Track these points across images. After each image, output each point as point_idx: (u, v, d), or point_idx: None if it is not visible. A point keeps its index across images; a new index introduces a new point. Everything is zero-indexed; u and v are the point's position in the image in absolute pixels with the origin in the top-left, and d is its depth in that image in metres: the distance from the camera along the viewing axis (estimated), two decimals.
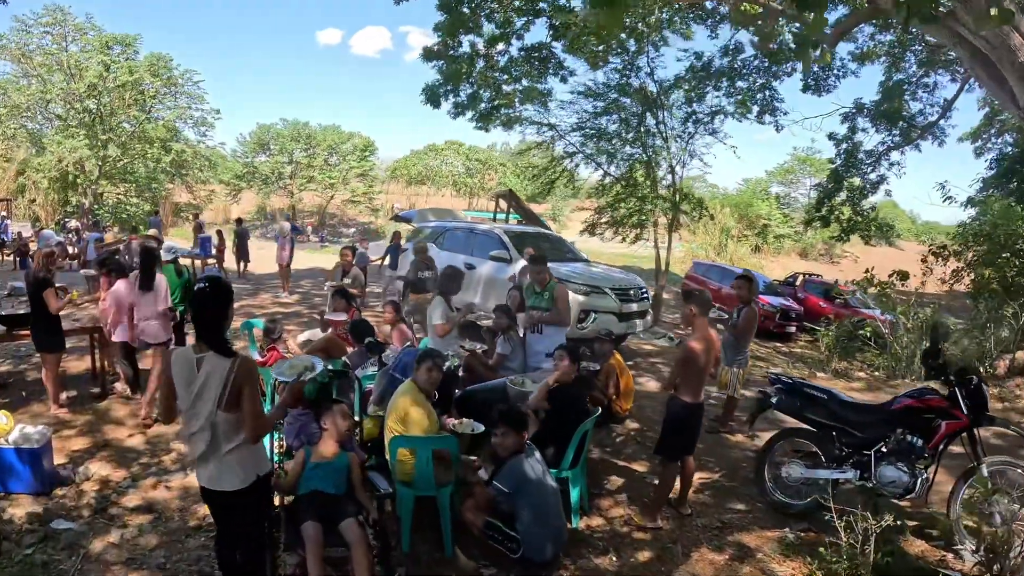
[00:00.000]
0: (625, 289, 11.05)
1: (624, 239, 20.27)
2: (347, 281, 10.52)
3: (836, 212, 19.68)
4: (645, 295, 11.48)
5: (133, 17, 76.88)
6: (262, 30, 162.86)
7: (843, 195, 19.54)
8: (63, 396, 7.71)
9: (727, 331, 8.21)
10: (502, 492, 4.91)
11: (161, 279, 7.57)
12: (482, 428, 5.59)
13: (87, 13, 34.86)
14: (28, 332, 7.61)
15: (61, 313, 7.49)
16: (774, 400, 6.35)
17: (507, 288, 9.74)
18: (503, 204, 25.85)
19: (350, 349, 8.54)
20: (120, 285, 7.52)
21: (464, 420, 5.72)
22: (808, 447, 6.25)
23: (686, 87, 17.60)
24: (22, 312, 7.88)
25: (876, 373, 12.67)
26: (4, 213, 24.90)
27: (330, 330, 7.88)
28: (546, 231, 14.46)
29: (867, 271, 14.30)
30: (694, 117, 18.03)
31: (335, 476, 4.62)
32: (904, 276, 13.91)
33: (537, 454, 5.11)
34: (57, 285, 7.65)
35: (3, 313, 8.13)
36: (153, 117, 37.40)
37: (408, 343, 7.66)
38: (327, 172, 46.07)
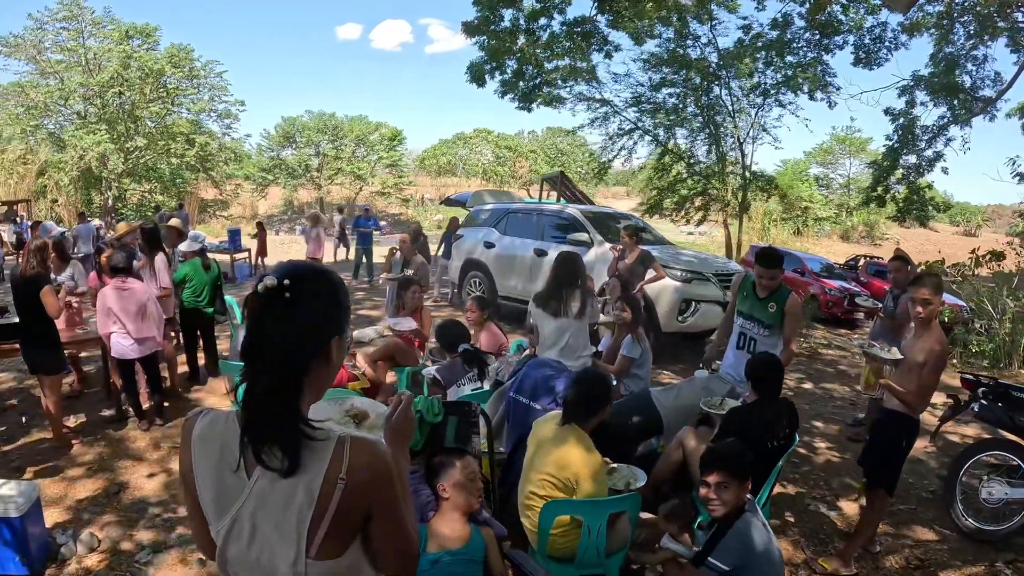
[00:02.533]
0: (728, 275, 9.45)
1: (687, 220, 19.04)
2: (409, 272, 8.67)
3: (892, 192, 18.66)
4: None
5: (150, 15, 75.88)
6: (280, 27, 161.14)
7: (899, 173, 18.34)
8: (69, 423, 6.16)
9: (881, 321, 7.17)
10: (721, 572, 3.14)
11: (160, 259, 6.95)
12: (644, 479, 3.84)
13: (104, 7, 33.76)
14: (16, 348, 6.05)
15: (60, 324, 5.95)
16: (975, 408, 5.27)
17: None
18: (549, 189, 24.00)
19: (421, 354, 6.94)
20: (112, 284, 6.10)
21: (617, 465, 3.94)
22: (1010, 461, 5.10)
23: (750, 58, 16.04)
24: (14, 321, 6.16)
25: (983, 363, 10.86)
26: (24, 214, 23.69)
27: (383, 328, 5.96)
28: (619, 212, 12.78)
29: (939, 252, 12.73)
30: (760, 88, 16.43)
31: (468, 571, 2.91)
32: (999, 256, 12.26)
33: (759, 510, 3.35)
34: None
35: None
36: (176, 111, 35.99)
37: (509, 349, 5.92)
38: (355, 164, 44.50)
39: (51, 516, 4.58)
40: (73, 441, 5.98)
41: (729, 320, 5.44)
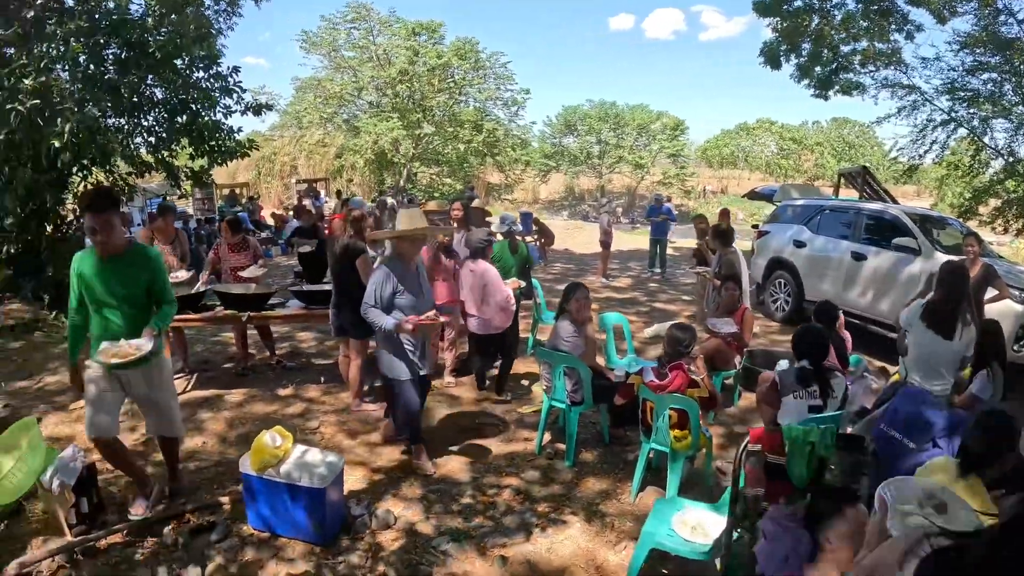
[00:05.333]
0: None
1: (1005, 229, 16.41)
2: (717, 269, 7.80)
3: None
4: None
5: (432, 13, 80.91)
6: (554, 19, 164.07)
7: None
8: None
9: None
10: None
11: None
12: None
13: (390, 8, 36.42)
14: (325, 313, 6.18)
15: None
16: None
17: (909, 290, 7.53)
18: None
19: (738, 359, 6.19)
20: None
21: None
22: None
23: None
24: (327, 288, 6.37)
25: None
26: (323, 191, 25.88)
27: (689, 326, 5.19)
28: (942, 215, 11.06)
29: None
30: None
31: None
32: None
33: None
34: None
35: (304, 288, 6.77)
36: (463, 100, 37.80)
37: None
38: (636, 153, 44.03)
39: (348, 484, 4.45)
40: (371, 408, 5.98)
41: None
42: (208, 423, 5.70)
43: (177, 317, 6.01)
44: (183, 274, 6.85)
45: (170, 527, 3.99)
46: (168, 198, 19.72)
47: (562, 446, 5.31)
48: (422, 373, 4.83)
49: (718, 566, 3.28)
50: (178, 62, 9.28)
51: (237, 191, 25.86)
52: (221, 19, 10.28)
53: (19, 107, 7.18)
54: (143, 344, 3.70)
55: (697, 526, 3.57)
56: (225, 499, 4.35)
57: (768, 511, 2.99)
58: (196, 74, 9.69)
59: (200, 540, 3.90)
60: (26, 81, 7.31)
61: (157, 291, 3.89)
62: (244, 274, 7.00)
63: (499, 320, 6.30)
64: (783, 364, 4.62)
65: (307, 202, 21.00)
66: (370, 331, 5.95)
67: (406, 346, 4.69)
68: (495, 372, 6.76)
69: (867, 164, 21.99)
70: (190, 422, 5.66)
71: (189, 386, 6.59)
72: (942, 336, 4.58)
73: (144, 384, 3.94)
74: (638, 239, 24.07)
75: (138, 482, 4.20)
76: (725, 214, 12.59)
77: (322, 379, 6.81)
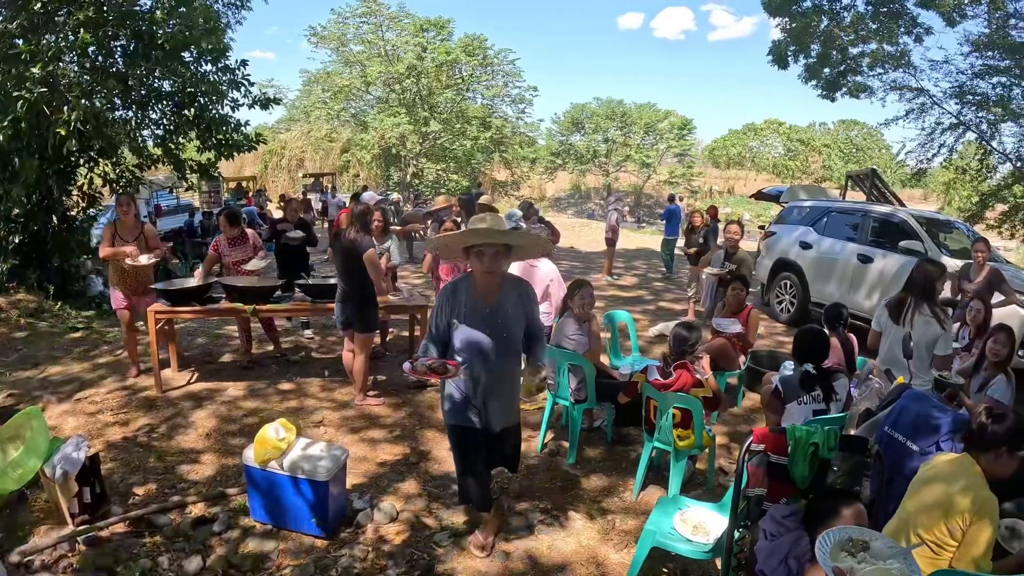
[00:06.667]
0: None
1: (1012, 234, 16.36)
2: (732, 267, 7.71)
3: None
4: None
5: (441, 9, 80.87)
6: (563, 18, 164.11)
7: None
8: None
9: None
10: None
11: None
12: None
13: (400, 3, 36.43)
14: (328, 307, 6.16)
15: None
16: None
17: None
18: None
19: (742, 359, 6.18)
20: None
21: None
22: None
23: None
24: (331, 282, 6.35)
25: None
26: (329, 186, 25.90)
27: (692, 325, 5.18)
28: (948, 219, 11.05)
29: None
30: None
31: None
32: None
33: None
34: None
35: (311, 282, 6.74)
36: (470, 97, 37.85)
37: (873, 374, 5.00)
38: (643, 151, 44.03)
39: (349, 478, 4.44)
40: (374, 403, 5.98)
41: None
42: (211, 415, 5.70)
43: (181, 309, 6.06)
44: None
45: (172, 517, 4.00)
46: (175, 191, 19.84)
47: (565, 444, 5.30)
48: (477, 427, 3.68)
49: (719, 565, 3.27)
50: (186, 55, 9.31)
51: (244, 184, 25.94)
52: (230, 13, 10.39)
53: (26, 95, 7.20)
54: None
55: (699, 525, 3.55)
56: (231, 491, 4.35)
57: (769, 511, 2.98)
58: (204, 67, 9.71)
59: (202, 531, 3.90)
60: (34, 69, 7.33)
61: None
62: (246, 267, 6.96)
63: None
64: (788, 366, 4.60)
65: (312, 197, 21.00)
66: (375, 326, 5.98)
67: (451, 389, 3.68)
68: None
69: (875, 167, 21.95)
70: (193, 414, 5.67)
71: (193, 378, 6.59)
72: (895, 324, 4.77)
73: None
74: (646, 238, 24.09)
75: None
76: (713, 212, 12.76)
77: (326, 373, 6.81)
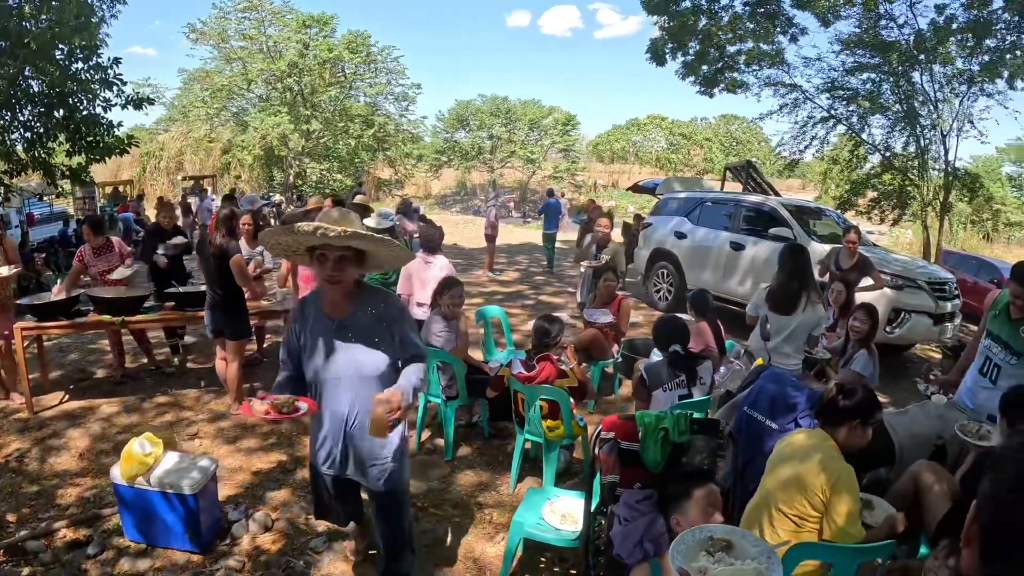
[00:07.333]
0: (940, 284, 8.60)
1: (881, 220, 17.57)
2: (605, 258, 7.96)
3: None
4: (958, 292, 8.89)
5: (326, 4, 79.10)
6: (450, 14, 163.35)
7: None
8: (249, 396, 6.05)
9: None
10: None
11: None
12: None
13: None
14: (200, 315, 6.08)
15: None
16: None
17: None
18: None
19: (615, 348, 6.49)
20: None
21: (873, 499, 3.30)
22: None
23: (944, 41, 14.17)
24: (201, 289, 6.27)
25: None
26: (209, 189, 25.25)
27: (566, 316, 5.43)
28: (818, 206, 11.84)
29: None
30: (966, 74, 14.57)
31: None
32: None
33: None
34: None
35: (179, 291, 6.64)
36: (353, 94, 37.46)
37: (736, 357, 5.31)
38: (528, 148, 44.49)
39: (224, 489, 4.49)
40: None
41: (977, 340, 4.51)
42: (85, 434, 5.57)
43: (48, 324, 5.90)
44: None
45: (45, 543, 3.94)
46: (46, 198, 18.93)
47: (441, 442, 5.42)
48: (329, 472, 3.24)
49: None
50: (56, 52, 8.83)
51: (121, 189, 24.93)
52: (104, 6, 9.75)
53: None
54: None
55: (567, 514, 3.68)
56: (105, 511, 4.29)
57: (622, 496, 3.18)
58: (75, 65, 9.23)
59: (77, 555, 3.85)
60: None
61: None
62: (112, 276, 6.72)
63: None
64: (656, 356, 4.88)
65: (192, 200, 20.43)
66: (247, 332, 5.96)
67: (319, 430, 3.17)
68: None
69: (753, 159, 22.98)
70: (66, 434, 5.54)
71: (66, 397, 6.40)
72: (786, 315, 4.95)
73: None
74: (530, 233, 24.44)
75: None
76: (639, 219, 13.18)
77: (202, 383, 6.75)
